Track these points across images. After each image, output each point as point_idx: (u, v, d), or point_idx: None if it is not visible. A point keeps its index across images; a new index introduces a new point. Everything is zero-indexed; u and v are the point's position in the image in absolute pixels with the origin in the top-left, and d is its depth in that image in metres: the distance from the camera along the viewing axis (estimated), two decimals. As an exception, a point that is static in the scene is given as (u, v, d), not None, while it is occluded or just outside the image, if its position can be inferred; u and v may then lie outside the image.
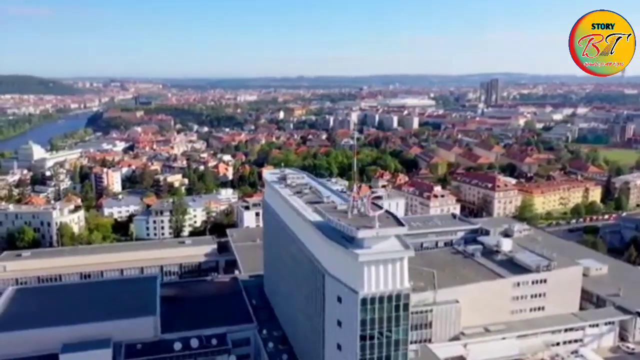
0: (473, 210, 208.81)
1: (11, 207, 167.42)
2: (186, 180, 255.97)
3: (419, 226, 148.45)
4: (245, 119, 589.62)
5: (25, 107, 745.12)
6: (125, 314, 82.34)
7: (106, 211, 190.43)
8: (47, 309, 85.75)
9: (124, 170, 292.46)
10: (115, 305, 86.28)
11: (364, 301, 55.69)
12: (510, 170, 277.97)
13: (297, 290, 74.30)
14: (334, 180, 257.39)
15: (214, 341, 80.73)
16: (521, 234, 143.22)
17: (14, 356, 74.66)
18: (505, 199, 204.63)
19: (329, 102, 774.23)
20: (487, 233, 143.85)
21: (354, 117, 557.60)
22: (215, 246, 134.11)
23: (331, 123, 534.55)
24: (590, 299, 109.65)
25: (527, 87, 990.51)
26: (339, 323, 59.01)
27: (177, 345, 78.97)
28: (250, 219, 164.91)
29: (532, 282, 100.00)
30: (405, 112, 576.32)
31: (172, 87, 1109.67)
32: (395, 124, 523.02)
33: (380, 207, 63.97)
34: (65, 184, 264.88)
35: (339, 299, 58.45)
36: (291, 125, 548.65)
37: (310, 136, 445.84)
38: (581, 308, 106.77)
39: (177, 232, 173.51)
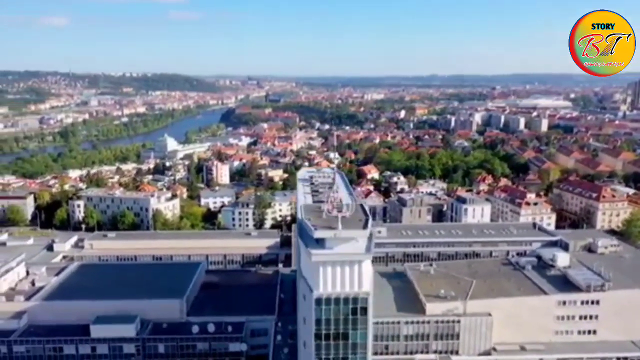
0: (574, 221, 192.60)
1: (117, 193, 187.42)
2: (286, 175, 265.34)
3: (491, 234, 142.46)
4: (366, 118, 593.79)
5: (170, 103, 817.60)
6: (156, 294, 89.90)
7: (203, 201, 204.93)
8: (96, 284, 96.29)
9: (236, 163, 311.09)
10: (152, 285, 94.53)
11: (318, 301, 56.23)
12: (635, 180, 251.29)
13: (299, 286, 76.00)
14: (431, 182, 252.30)
15: (229, 328, 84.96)
16: (606, 249, 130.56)
17: (57, 322, 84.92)
18: (612, 211, 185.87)
19: (457, 101, 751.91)
20: (566, 246, 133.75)
21: (478, 117, 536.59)
22: (278, 240, 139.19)
23: (452, 123, 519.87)
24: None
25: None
26: (304, 321, 59.96)
27: (195, 329, 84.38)
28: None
29: (581, 302, 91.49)
30: (535, 113, 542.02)
31: (304, 85, 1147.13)
32: (521, 126, 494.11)
33: (365, 212, 63.70)
34: (181, 174, 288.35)
35: (304, 297, 59.41)
36: (411, 125, 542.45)
37: (426, 136, 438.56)
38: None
39: (259, 224, 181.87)
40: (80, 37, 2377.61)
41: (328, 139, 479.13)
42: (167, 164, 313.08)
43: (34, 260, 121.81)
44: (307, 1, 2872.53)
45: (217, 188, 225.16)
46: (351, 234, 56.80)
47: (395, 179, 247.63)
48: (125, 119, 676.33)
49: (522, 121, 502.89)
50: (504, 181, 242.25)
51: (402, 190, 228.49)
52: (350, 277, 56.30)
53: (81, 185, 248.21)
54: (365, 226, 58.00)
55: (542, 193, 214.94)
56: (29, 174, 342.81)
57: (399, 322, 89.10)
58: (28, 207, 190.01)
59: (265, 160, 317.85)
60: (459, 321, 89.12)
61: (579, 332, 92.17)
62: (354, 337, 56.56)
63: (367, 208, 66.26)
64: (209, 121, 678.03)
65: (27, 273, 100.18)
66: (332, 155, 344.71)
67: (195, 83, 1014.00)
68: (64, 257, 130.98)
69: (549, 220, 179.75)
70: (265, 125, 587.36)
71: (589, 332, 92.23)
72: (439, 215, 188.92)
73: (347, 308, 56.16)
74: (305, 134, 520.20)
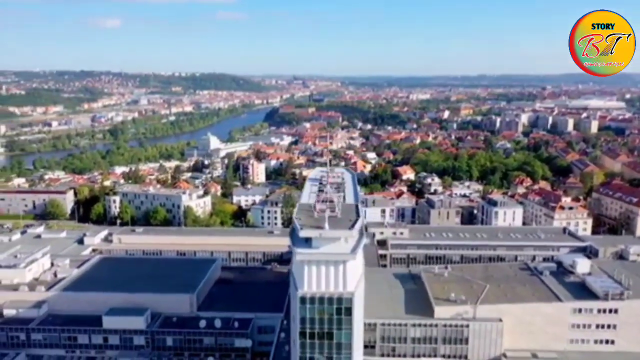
0: (613, 227, 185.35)
1: (151, 189, 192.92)
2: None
3: (517, 238, 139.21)
4: (409, 118, 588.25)
5: (217, 102, 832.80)
6: (168, 288, 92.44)
7: (235, 199, 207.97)
8: (114, 277, 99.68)
9: (273, 162, 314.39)
10: (166, 280, 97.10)
11: (302, 299, 56.73)
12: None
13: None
14: (467, 184, 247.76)
15: (236, 324, 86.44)
16: (639, 257, 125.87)
17: (74, 312, 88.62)
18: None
19: (505, 102, 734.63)
20: (596, 252, 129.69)
21: (524, 118, 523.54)
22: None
23: (497, 124, 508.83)
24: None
25: None
26: (293, 319, 60.49)
27: (202, 323, 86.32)
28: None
29: (598, 311, 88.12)
30: (584, 114, 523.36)
31: (350, 85, 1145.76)
32: (570, 127, 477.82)
33: (358, 212, 63.66)
34: (218, 172, 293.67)
35: (293, 295, 59.94)
36: (454, 125, 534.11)
37: (468, 137, 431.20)
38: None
39: (287, 222, 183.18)
40: (133, 38, 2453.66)
41: (369, 138, 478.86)
42: (206, 162, 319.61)
43: (64, 252, 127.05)
44: (355, 1, 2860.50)
45: (249, 186, 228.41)
46: (337, 234, 56.96)
47: (429, 180, 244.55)
48: (172, 118, 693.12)
49: (570, 122, 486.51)
50: (542, 184, 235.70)
51: (435, 192, 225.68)
52: (335, 277, 56.46)
53: (122, 181, 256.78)
54: (352, 226, 58.00)
55: (582, 197, 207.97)
56: (78, 169, 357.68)
57: (405, 325, 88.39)
58: (68, 201, 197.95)
59: (302, 160, 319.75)
60: (467, 326, 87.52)
61: (596, 342, 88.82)
62: (339, 336, 56.71)
63: (362, 209, 66.22)
64: (253, 120, 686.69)
65: (52, 264, 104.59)
66: (369, 155, 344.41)
67: (241, 82, 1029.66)
68: (94, 250, 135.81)
69: (584, 226, 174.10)
70: (307, 125, 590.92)
71: (607, 341, 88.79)
72: (469, 218, 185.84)
73: (332, 308, 56.36)
74: (347, 133, 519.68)
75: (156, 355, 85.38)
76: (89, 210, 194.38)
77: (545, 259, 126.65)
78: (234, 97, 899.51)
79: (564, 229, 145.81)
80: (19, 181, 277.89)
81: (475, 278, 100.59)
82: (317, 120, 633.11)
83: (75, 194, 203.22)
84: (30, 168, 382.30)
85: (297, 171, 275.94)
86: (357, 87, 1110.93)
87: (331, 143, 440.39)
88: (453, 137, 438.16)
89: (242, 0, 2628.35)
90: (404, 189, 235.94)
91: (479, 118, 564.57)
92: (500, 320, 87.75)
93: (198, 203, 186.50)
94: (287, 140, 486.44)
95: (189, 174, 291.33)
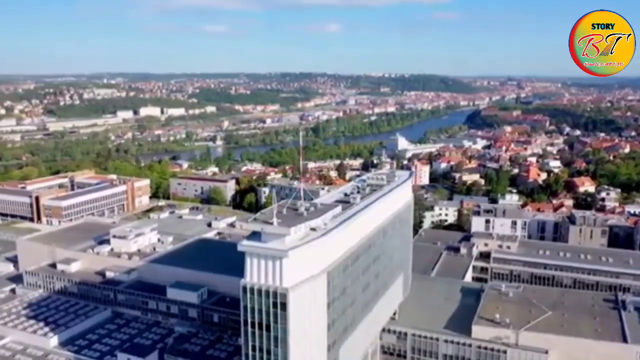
0: None
1: (295, 183, 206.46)
2: (481, 180, 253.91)
3: (629, 264, 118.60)
4: (628, 124, 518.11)
5: (421, 103, 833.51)
6: (229, 271, 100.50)
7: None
8: (195, 256, 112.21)
9: (443, 165, 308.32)
10: (233, 263, 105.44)
11: (244, 289, 59.65)
12: None
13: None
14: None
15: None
16: None
17: (154, 281, 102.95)
18: None
19: None
20: None
21: None
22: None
23: None
24: None
25: None
26: (246, 308, 63.51)
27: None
28: (478, 225, 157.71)
29: (674, 361, 72.45)
30: None
31: (572, 87, 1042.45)
32: None
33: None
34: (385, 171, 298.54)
35: (246, 285, 63.07)
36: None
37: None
38: None
39: (417, 226, 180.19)
40: (349, 40, 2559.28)
41: (574, 146, 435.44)
42: (375, 161, 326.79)
43: (193, 232, 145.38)
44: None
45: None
46: (276, 230, 58.62)
47: (603, 194, 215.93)
48: (374, 118, 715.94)
49: None
50: None
51: (603, 208, 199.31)
52: (273, 271, 58.07)
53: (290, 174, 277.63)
54: (291, 225, 59.09)
55: None
56: (275, 163, 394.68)
57: (437, 339, 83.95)
58: (228, 189, 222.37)
59: (473, 164, 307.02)
60: (505, 351, 79.80)
61: (670, 399, 73.35)
62: (276, 330, 58.14)
63: (338, 210, 66.51)
64: (454, 122, 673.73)
65: (158, 240, 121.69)
66: (552, 163, 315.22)
67: (450, 83, 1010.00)
68: (218, 233, 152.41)
69: None
70: (508, 128, 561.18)
71: (685, 401, 72.68)
72: (627, 240, 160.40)
73: (269, 301, 58.09)
74: (549, 139, 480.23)
75: (204, 329, 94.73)
76: (245, 199, 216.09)
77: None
78: (439, 98, 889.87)
79: None
80: (213, 169, 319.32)
81: (543, 302, 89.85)
82: (521, 123, 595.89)
83: (238, 183, 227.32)
84: (237, 159, 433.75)
85: (457, 175, 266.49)
86: (581, 88, 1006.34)
87: (526, 149, 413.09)
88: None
89: (456, 0, 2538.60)
90: (570, 202, 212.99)
91: None
92: (546, 352, 77.90)
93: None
94: (481, 143, 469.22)
95: (356, 173, 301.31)
